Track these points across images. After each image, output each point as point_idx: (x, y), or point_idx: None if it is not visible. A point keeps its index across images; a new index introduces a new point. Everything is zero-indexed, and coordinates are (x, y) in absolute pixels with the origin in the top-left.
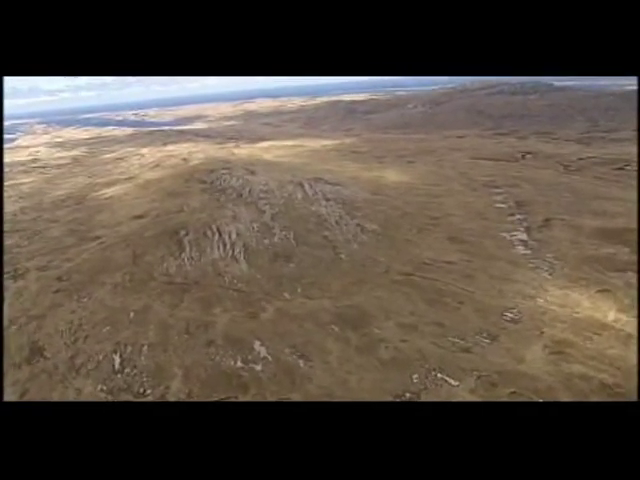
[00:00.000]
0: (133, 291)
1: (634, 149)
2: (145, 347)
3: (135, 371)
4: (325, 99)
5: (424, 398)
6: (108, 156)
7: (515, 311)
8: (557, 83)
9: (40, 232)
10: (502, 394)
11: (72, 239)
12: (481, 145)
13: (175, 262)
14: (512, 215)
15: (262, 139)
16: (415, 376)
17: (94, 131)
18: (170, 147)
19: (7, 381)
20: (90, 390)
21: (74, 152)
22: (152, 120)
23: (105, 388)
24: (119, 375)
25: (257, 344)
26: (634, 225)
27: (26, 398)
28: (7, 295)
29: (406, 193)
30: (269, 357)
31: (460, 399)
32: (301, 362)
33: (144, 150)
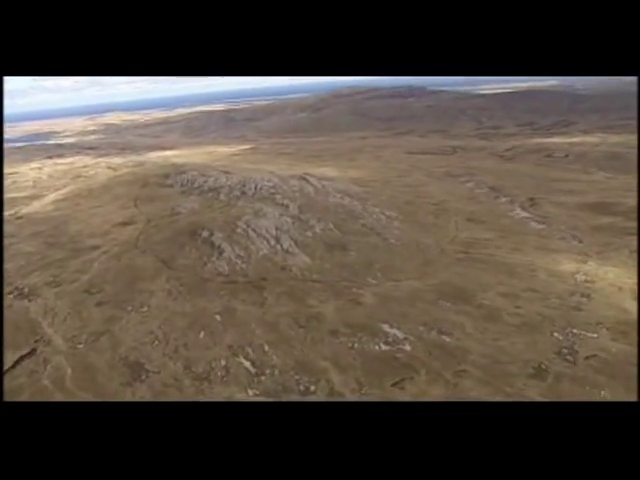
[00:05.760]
0: (195, 294)
1: (535, 140)
2: (266, 346)
3: (277, 371)
4: (184, 110)
5: (579, 350)
6: None
7: (582, 273)
8: (430, 87)
9: (5, 249)
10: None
11: (60, 252)
12: (395, 143)
13: (221, 262)
14: (498, 198)
15: (161, 148)
16: (556, 334)
17: None
18: (64, 160)
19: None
20: (243, 397)
21: None
22: None
23: (258, 393)
24: (263, 377)
25: (386, 327)
26: (607, 200)
27: None
28: (35, 316)
29: (386, 185)
30: (410, 337)
31: (612, 348)
32: (445, 337)
33: (33, 164)
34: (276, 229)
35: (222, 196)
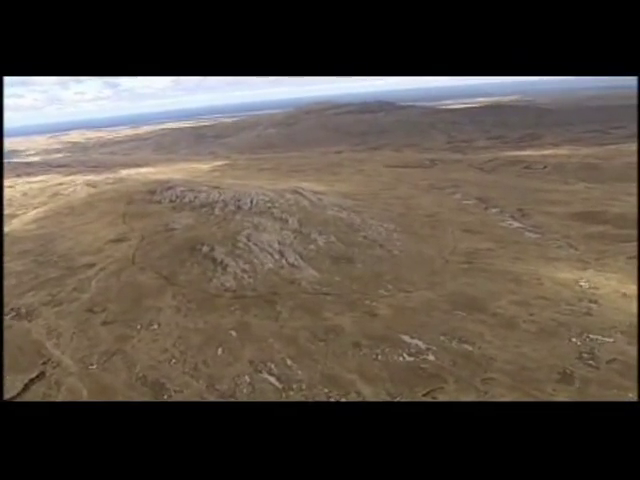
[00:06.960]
0: (205, 310)
1: (509, 153)
2: (288, 360)
3: (304, 385)
4: (152, 127)
5: (599, 355)
6: None
7: (585, 280)
8: (398, 102)
9: None
10: None
11: (53, 270)
12: (371, 157)
13: (227, 277)
14: (487, 209)
15: (135, 165)
16: (574, 340)
17: None
18: (35, 178)
19: None
20: None
21: None
22: None
23: None
24: (291, 392)
25: (406, 338)
26: (593, 209)
27: None
28: (38, 337)
29: (376, 198)
30: (433, 347)
31: (631, 351)
32: (467, 346)
33: (5, 182)
34: (279, 243)
35: (217, 211)
